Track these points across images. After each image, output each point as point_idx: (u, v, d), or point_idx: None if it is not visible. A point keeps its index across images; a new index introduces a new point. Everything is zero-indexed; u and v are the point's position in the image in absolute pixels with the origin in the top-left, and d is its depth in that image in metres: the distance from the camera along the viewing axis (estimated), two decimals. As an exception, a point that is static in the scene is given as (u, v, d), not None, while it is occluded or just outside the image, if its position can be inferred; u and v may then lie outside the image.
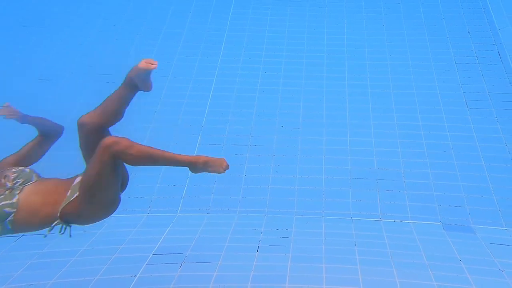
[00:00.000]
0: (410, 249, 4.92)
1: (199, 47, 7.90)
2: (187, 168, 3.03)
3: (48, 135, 3.34)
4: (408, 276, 4.44)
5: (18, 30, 7.92)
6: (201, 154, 3.11)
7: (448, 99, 6.88)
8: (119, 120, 3.12)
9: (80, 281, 4.33)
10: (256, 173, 5.99)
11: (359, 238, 5.11)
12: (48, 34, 7.91)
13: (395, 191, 5.77)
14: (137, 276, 4.43)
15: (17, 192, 2.85)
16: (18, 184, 2.88)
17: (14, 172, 2.94)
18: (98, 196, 2.90)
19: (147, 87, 3.21)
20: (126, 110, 3.21)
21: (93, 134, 2.94)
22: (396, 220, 5.47)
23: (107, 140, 2.79)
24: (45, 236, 2.99)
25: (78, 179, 2.96)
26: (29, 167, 3.08)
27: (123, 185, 3.23)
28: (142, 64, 3.06)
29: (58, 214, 2.82)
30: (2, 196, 2.80)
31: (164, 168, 5.41)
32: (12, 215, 2.76)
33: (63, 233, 2.96)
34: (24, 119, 3.32)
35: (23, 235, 4.80)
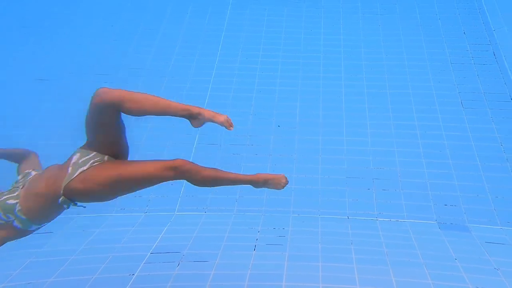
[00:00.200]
0: (406, 248, 4.94)
1: (197, 47, 7.91)
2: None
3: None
4: (404, 274, 4.45)
5: (17, 31, 7.93)
6: (262, 173, 3.26)
7: (444, 99, 6.90)
8: (136, 116, 3.07)
9: (78, 280, 4.34)
10: (253, 172, 5.97)
11: (355, 237, 5.12)
12: (47, 34, 7.92)
13: (391, 190, 5.79)
14: (135, 274, 4.45)
15: (20, 186, 2.91)
16: (19, 183, 2.94)
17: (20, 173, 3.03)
18: (121, 189, 2.91)
19: (196, 126, 3.23)
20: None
21: (107, 111, 2.87)
22: (392, 219, 5.49)
23: (178, 161, 2.85)
24: (68, 208, 2.98)
25: (76, 156, 2.93)
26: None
27: None
28: (222, 120, 3.02)
29: (61, 191, 2.83)
30: (6, 192, 2.89)
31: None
32: (18, 204, 2.82)
33: (67, 208, 2.95)
34: None
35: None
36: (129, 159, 3.11)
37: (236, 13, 8.61)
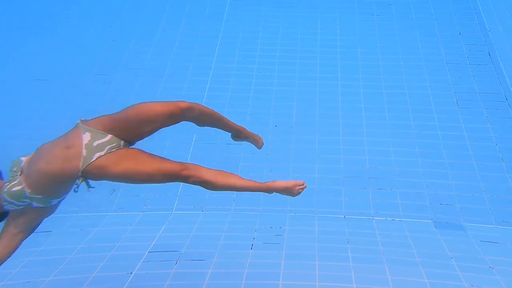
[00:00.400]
0: (402, 247, 4.95)
1: (194, 47, 7.93)
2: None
3: None
4: (400, 273, 4.47)
5: (16, 31, 7.94)
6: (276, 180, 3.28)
7: (440, 99, 6.92)
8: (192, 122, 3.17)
9: (77, 278, 4.35)
10: (250, 172, 5.94)
11: (352, 236, 5.14)
12: (45, 34, 7.94)
13: (387, 190, 5.81)
14: (133, 273, 4.46)
15: (18, 173, 2.89)
16: (15, 172, 2.93)
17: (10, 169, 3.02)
18: (135, 180, 2.92)
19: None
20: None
21: (173, 121, 2.97)
22: (388, 218, 5.51)
23: (193, 171, 2.89)
24: (76, 191, 3.00)
25: (87, 137, 2.88)
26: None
27: None
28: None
29: (80, 174, 2.83)
30: (7, 183, 2.87)
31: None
32: (25, 188, 2.81)
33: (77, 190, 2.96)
34: None
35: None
36: None
37: (233, 14, 8.63)
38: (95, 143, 2.84)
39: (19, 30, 7.97)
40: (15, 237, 2.93)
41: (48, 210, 2.98)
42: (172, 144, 6.10)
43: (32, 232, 3.03)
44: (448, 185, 5.83)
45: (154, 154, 2.95)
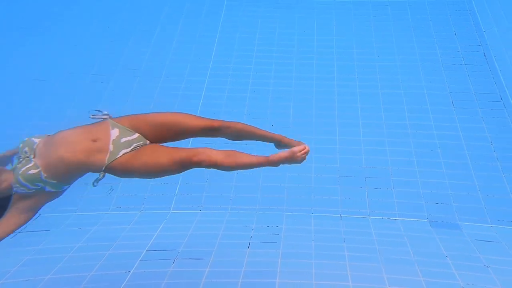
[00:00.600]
0: (398, 246, 4.98)
1: (192, 48, 7.95)
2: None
3: None
4: (396, 271, 4.50)
5: (15, 31, 7.95)
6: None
7: (435, 99, 6.94)
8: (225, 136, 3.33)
9: (75, 277, 4.38)
10: (247, 172, 5.99)
11: (348, 235, 5.16)
12: (44, 35, 7.95)
13: (383, 189, 5.83)
14: (131, 271, 4.49)
15: (31, 156, 2.91)
16: (27, 153, 2.95)
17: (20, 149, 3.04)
18: (154, 175, 3.01)
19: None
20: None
21: (202, 135, 3.16)
22: (384, 217, 5.53)
23: (202, 156, 2.97)
24: (94, 185, 3.03)
25: (115, 133, 2.98)
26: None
27: None
28: (294, 155, 3.30)
29: (104, 168, 2.89)
30: (20, 165, 2.88)
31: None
32: (41, 172, 2.84)
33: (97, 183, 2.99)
34: None
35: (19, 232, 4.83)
36: None
37: (230, 14, 8.64)
38: (122, 140, 2.94)
39: (18, 30, 7.98)
40: (21, 216, 2.91)
41: (55, 195, 2.98)
42: (169, 144, 6.11)
43: (36, 214, 3.02)
44: (444, 184, 5.85)
45: (169, 146, 3.03)
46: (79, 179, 3.02)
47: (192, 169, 3.03)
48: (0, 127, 6.15)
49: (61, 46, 7.83)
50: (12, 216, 2.88)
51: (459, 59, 7.57)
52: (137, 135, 2.99)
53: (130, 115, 3.10)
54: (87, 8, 8.63)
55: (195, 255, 4.77)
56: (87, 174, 3.02)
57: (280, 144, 3.58)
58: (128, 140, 2.95)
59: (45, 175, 2.82)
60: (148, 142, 3.02)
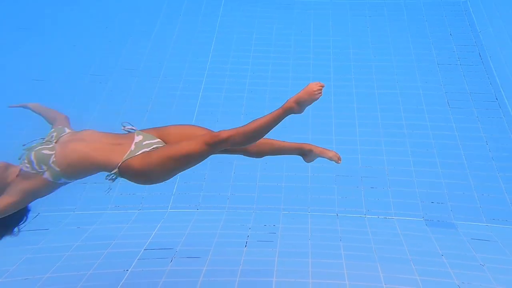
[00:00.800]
0: (394, 245, 4.99)
1: (189, 48, 7.97)
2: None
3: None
4: (392, 270, 4.50)
5: (14, 32, 7.95)
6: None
7: (431, 99, 6.97)
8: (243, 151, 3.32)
9: (74, 275, 4.38)
10: (245, 171, 6.04)
11: (344, 234, 5.17)
12: (43, 35, 7.96)
13: (379, 188, 5.85)
14: (129, 270, 4.49)
15: (54, 140, 2.98)
16: (52, 137, 3.00)
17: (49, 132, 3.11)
18: (171, 168, 2.93)
19: (308, 161, 3.59)
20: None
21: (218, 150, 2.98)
22: (380, 217, 5.55)
23: (213, 138, 2.85)
24: (110, 189, 3.07)
25: (139, 138, 3.04)
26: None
27: None
28: (331, 156, 3.44)
29: (119, 166, 2.89)
30: (40, 143, 2.95)
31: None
32: (53, 156, 2.85)
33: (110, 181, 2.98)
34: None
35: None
36: None
37: (228, 15, 8.66)
38: (144, 142, 3.01)
39: (17, 30, 7.98)
40: (12, 197, 2.84)
41: (48, 187, 2.92)
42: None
43: (26, 200, 2.93)
44: (439, 183, 5.87)
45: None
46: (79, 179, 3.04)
47: (213, 155, 2.97)
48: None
49: (59, 46, 7.84)
50: (5, 196, 2.86)
51: (455, 59, 7.60)
52: (158, 139, 3.06)
53: (155, 127, 3.17)
54: (86, 8, 8.65)
55: (192, 253, 4.77)
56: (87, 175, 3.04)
57: (307, 154, 3.51)
58: (149, 142, 3.01)
59: (54, 159, 2.83)
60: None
